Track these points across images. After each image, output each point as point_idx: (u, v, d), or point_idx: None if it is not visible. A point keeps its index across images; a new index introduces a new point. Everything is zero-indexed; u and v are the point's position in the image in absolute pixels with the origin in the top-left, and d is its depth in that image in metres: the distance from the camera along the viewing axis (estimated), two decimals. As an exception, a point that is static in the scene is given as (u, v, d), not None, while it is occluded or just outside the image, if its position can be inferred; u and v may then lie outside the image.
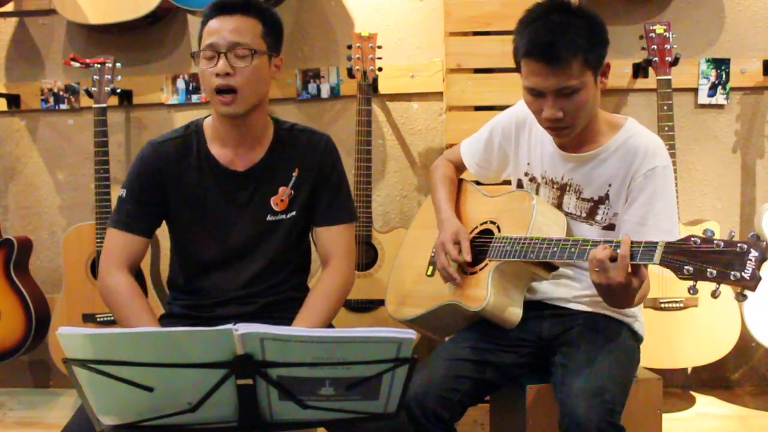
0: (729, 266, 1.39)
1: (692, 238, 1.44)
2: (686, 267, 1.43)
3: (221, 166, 1.85)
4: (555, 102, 1.70)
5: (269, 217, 1.87)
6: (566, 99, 1.70)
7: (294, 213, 1.88)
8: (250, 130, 1.84)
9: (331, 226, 1.90)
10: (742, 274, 1.37)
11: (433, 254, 2.05)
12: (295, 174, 1.88)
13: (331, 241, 1.90)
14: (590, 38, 1.68)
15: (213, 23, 1.76)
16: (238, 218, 1.86)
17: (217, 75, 1.73)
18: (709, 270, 1.41)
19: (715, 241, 1.42)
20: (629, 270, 1.53)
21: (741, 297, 1.40)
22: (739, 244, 1.39)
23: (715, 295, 1.42)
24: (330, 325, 1.93)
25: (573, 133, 1.78)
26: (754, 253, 1.38)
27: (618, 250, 1.53)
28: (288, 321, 1.80)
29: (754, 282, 1.37)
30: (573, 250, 1.65)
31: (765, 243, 1.39)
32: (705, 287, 1.44)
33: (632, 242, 1.53)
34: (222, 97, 1.75)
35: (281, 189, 1.87)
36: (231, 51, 1.74)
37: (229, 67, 1.73)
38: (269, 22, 1.81)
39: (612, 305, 1.74)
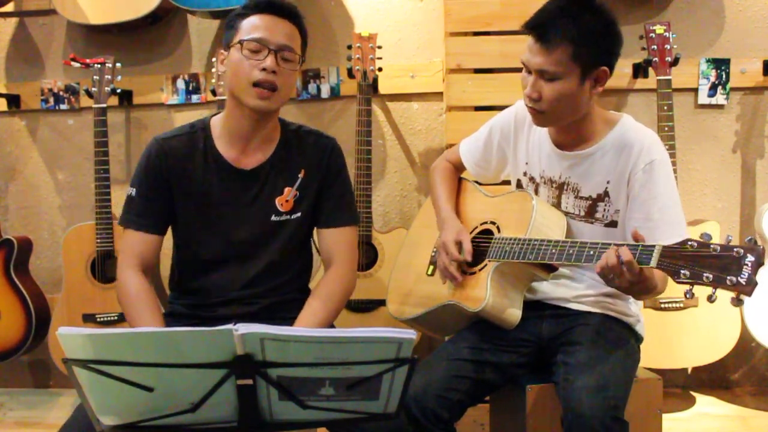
0: (725, 271, 1.38)
1: (689, 242, 1.44)
2: (683, 271, 1.43)
3: (228, 164, 1.84)
4: (536, 82, 1.73)
5: (274, 218, 1.86)
6: (546, 83, 1.72)
7: (299, 214, 1.88)
8: (263, 129, 1.84)
9: (334, 228, 1.90)
10: (738, 279, 1.37)
11: (433, 254, 2.05)
12: (301, 175, 1.88)
13: (334, 243, 1.90)
14: (587, 35, 1.68)
15: (261, 19, 1.77)
16: (243, 217, 1.85)
17: (263, 69, 1.74)
18: (705, 275, 1.40)
19: (711, 246, 1.41)
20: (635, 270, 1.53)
21: (737, 302, 1.40)
22: (735, 249, 1.38)
23: (711, 299, 1.42)
24: (330, 325, 1.93)
25: (548, 123, 1.82)
26: (750, 258, 1.37)
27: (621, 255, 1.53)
28: (290, 321, 1.80)
29: (750, 287, 1.37)
30: (571, 252, 1.65)
31: (762, 248, 1.38)
32: (703, 290, 1.43)
33: (629, 246, 1.53)
34: (261, 90, 1.75)
35: (286, 189, 1.87)
36: (280, 51, 1.75)
37: (276, 66, 1.74)
38: (305, 35, 1.85)
39: (640, 298, 1.77)
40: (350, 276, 1.91)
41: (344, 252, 1.90)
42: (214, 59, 2.95)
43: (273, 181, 1.86)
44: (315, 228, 1.95)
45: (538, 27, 1.70)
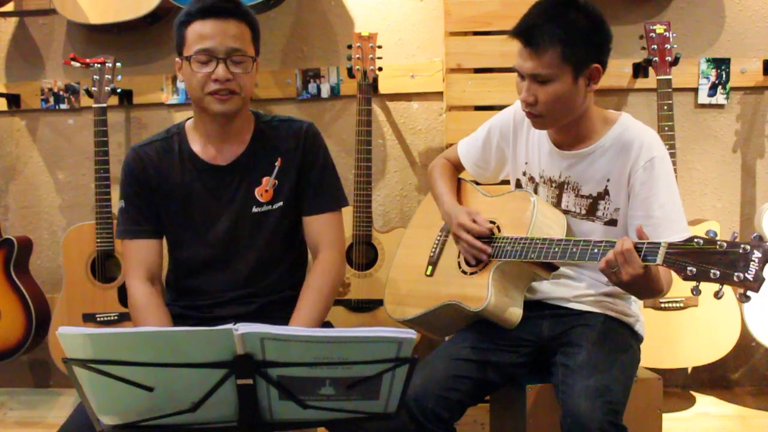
0: (732, 267, 1.39)
1: (695, 239, 1.44)
2: (689, 268, 1.43)
3: (204, 163, 1.85)
4: (530, 86, 1.74)
5: (255, 209, 1.86)
6: (540, 86, 1.72)
7: (281, 203, 1.87)
8: (234, 127, 1.84)
9: (318, 215, 1.89)
10: (746, 275, 1.37)
11: (432, 254, 2.05)
12: (278, 164, 1.87)
13: (319, 230, 1.89)
14: (575, 34, 1.68)
15: (204, 26, 1.73)
16: (224, 212, 1.85)
17: (216, 80, 1.73)
18: (712, 271, 1.41)
19: (717, 242, 1.41)
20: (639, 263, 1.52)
21: (744, 298, 1.40)
22: (742, 246, 1.39)
23: (718, 296, 1.42)
24: (330, 325, 1.93)
25: (547, 125, 1.82)
26: (757, 254, 1.37)
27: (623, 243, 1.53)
28: (288, 321, 1.79)
29: (757, 283, 1.37)
30: (575, 250, 1.65)
31: None
32: (708, 287, 1.44)
33: (635, 243, 1.53)
34: (219, 96, 1.74)
35: (264, 179, 1.86)
36: (229, 57, 1.73)
37: (229, 73, 1.73)
38: (255, 27, 1.81)
39: (643, 298, 1.75)
40: (338, 263, 1.90)
41: (330, 239, 1.89)
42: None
43: (250, 172, 1.86)
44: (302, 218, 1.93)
45: (525, 32, 1.71)
